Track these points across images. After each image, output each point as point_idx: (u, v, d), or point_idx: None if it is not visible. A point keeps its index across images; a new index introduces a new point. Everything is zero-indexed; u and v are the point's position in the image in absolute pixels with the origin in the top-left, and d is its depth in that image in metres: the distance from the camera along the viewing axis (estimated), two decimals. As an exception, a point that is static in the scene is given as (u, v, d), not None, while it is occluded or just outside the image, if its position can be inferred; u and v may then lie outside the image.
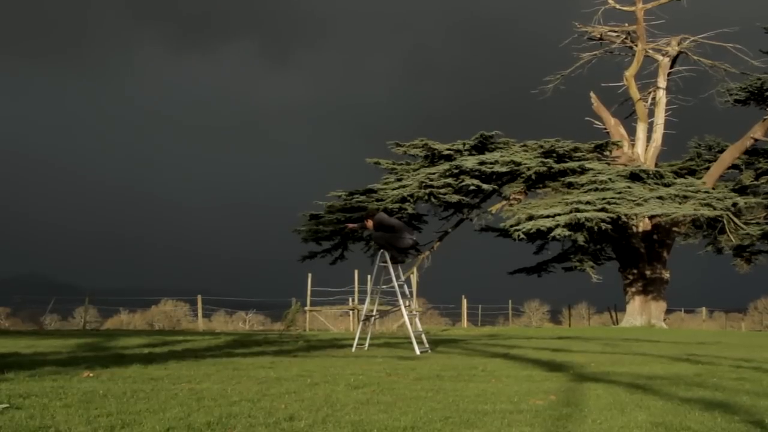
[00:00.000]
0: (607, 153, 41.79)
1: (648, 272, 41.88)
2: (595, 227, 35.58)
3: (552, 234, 35.87)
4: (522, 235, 36.38)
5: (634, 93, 44.54)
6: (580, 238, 36.61)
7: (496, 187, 39.74)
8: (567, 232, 35.70)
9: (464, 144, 40.09)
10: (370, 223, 16.24)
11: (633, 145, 43.83)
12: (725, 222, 38.86)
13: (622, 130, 44.43)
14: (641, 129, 44.10)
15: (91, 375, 9.57)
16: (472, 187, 38.37)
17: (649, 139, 43.98)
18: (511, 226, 36.63)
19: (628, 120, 45.48)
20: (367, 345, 16.47)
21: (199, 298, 40.92)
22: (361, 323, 17.57)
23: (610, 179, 37.15)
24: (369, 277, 32.46)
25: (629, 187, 36.84)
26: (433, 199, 38.88)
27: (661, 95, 44.17)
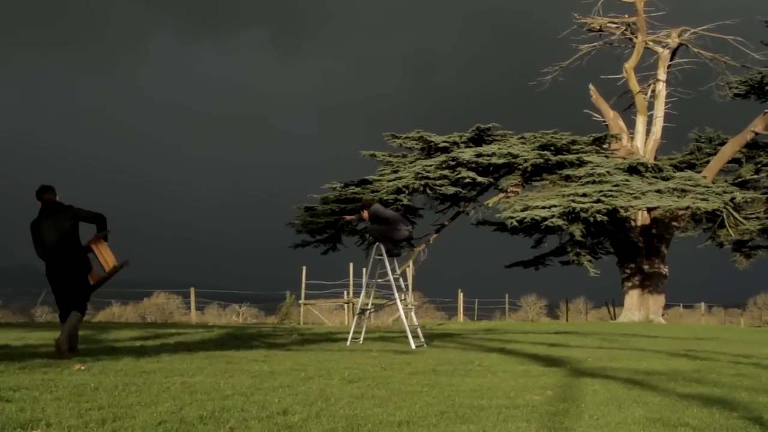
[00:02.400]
0: (606, 146, 41.65)
1: (646, 267, 41.81)
2: (591, 219, 35.48)
3: (546, 223, 35.76)
4: (515, 223, 36.26)
5: (634, 85, 44.37)
6: (577, 231, 36.46)
7: (492, 180, 39.62)
8: (561, 222, 35.60)
9: (461, 136, 39.92)
10: (365, 214, 16.18)
11: (632, 138, 43.70)
12: (725, 216, 38.77)
13: (621, 123, 44.29)
14: (640, 122, 43.97)
15: (82, 368, 9.53)
16: (468, 180, 38.23)
17: (648, 132, 43.84)
18: (507, 218, 36.50)
19: (627, 112, 45.31)
20: (362, 339, 16.43)
21: (192, 290, 40.79)
22: (356, 317, 17.54)
23: (608, 172, 37.03)
24: (364, 270, 32.29)
25: (627, 180, 36.73)
26: (428, 192, 38.73)
27: (661, 88, 44.00)
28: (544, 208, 35.57)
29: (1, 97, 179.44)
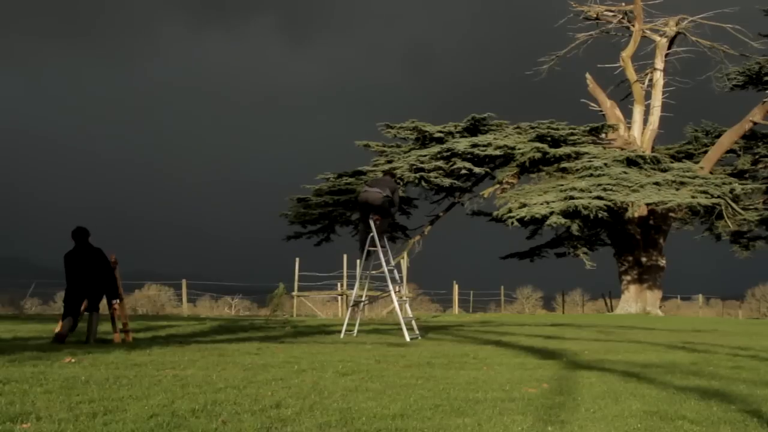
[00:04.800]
0: (603, 136, 41.55)
1: (644, 259, 41.73)
2: (591, 215, 35.35)
3: (547, 222, 35.63)
4: (516, 222, 36.13)
5: (631, 74, 44.21)
6: (575, 227, 36.31)
7: (488, 170, 39.49)
8: (562, 220, 35.45)
9: (456, 126, 39.81)
10: None
11: (629, 128, 43.52)
12: (723, 208, 38.58)
13: (618, 113, 44.10)
14: (638, 111, 43.81)
15: (72, 360, 9.52)
16: (463, 171, 38.13)
17: (645, 121, 43.70)
18: (504, 215, 36.35)
19: (625, 102, 45.15)
20: (355, 331, 16.37)
21: (184, 282, 40.65)
22: (349, 309, 17.47)
23: (605, 164, 36.91)
24: (358, 261, 32.28)
25: (625, 173, 36.58)
26: (423, 183, 38.63)
27: (659, 77, 43.85)
28: (542, 204, 35.41)
29: (6, 88, 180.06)
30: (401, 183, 37.51)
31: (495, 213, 38.14)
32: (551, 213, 35.08)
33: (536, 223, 38.88)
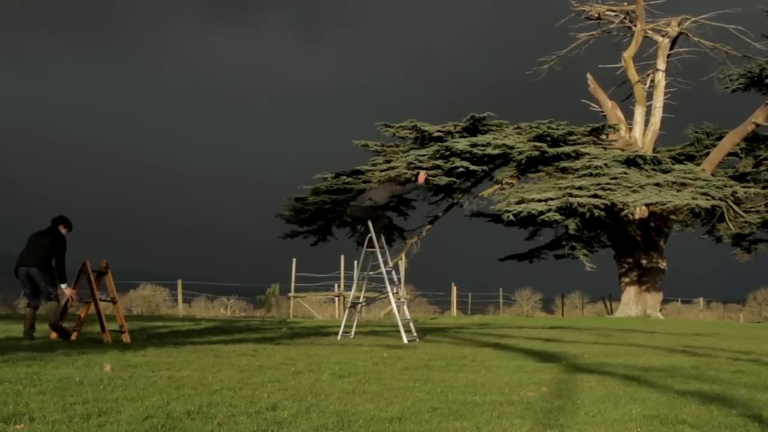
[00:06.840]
0: (604, 137, 41.44)
1: (644, 261, 41.63)
2: (588, 213, 35.27)
3: (543, 217, 35.54)
4: (511, 217, 35.99)
5: (633, 75, 44.05)
6: (572, 225, 36.20)
7: (487, 170, 39.41)
8: (558, 217, 35.38)
9: (455, 126, 39.68)
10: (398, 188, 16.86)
11: (630, 129, 43.40)
12: (724, 210, 38.47)
13: (620, 113, 43.96)
14: (639, 112, 43.70)
15: (67, 361, 9.43)
16: (461, 169, 38.03)
17: (647, 122, 43.59)
18: (502, 210, 36.26)
19: (626, 103, 44.98)
20: (353, 333, 16.31)
21: (180, 282, 40.49)
22: (347, 310, 17.41)
23: (605, 164, 36.79)
24: (355, 262, 32.18)
25: (625, 173, 36.48)
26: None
27: (660, 78, 43.69)
28: (540, 201, 35.35)
29: (9, 86, 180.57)
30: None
31: (492, 208, 38.06)
32: (548, 209, 35.00)
33: (533, 222, 38.84)
